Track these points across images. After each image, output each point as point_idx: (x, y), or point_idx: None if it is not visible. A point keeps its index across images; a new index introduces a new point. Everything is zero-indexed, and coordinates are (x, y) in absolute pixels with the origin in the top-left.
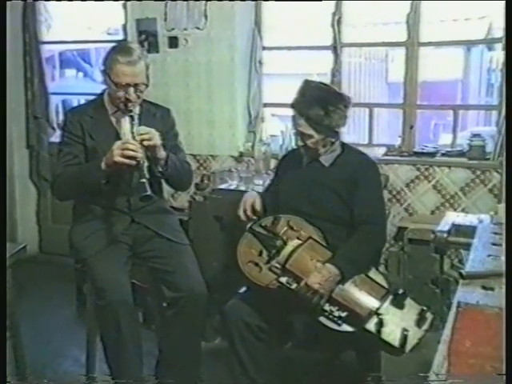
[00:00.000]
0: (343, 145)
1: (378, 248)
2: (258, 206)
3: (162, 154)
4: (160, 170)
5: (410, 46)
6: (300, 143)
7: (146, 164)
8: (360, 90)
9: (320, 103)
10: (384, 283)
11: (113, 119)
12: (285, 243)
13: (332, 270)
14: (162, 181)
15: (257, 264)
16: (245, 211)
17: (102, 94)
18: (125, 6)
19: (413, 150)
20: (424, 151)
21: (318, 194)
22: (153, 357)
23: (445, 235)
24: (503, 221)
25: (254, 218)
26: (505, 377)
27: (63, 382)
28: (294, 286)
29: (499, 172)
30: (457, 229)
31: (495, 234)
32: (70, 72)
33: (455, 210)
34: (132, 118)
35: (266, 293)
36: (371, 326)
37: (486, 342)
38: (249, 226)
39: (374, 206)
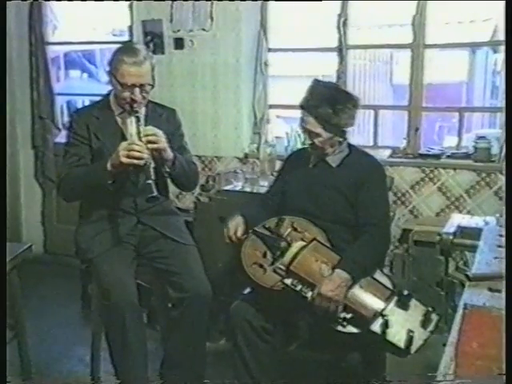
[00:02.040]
0: (350, 146)
1: (383, 250)
2: (241, 231)
3: (168, 154)
4: (167, 170)
5: (415, 48)
6: (308, 142)
7: (152, 165)
8: (365, 92)
9: (329, 102)
10: (389, 284)
11: (119, 120)
12: (289, 245)
13: (343, 275)
14: (168, 182)
15: (261, 266)
16: (229, 237)
17: (107, 95)
18: (130, 7)
19: (418, 152)
20: (429, 153)
21: (324, 195)
22: (158, 357)
23: (450, 237)
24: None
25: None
26: (505, 377)
27: (68, 381)
28: (298, 287)
29: (504, 174)
30: (462, 231)
31: (501, 236)
32: (75, 73)
33: (460, 212)
34: (138, 118)
35: (271, 294)
36: (376, 327)
37: (493, 344)
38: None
39: (379, 208)
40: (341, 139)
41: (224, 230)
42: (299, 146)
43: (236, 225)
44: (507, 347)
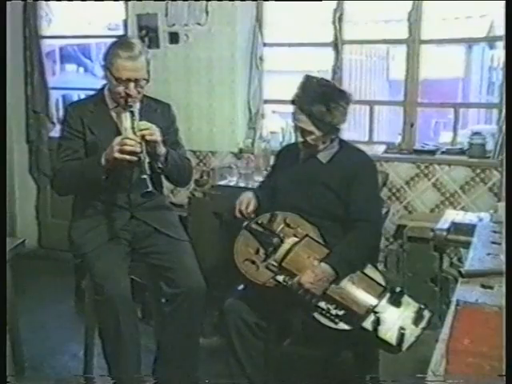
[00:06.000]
0: (341, 142)
1: (372, 246)
2: (253, 206)
3: (162, 149)
4: (160, 165)
5: (411, 44)
6: (300, 139)
7: (147, 160)
8: (361, 88)
9: (322, 100)
10: (381, 281)
11: (113, 114)
12: (281, 241)
13: (326, 269)
14: (162, 177)
15: (254, 262)
16: (240, 211)
17: (102, 89)
18: (126, 1)
19: (413, 147)
20: (424, 149)
21: (315, 191)
22: (151, 352)
23: (444, 233)
24: (503, 219)
25: (250, 216)
26: (505, 377)
27: (61, 376)
28: (290, 284)
29: (499, 170)
30: (456, 227)
31: (495, 232)
32: (71, 67)
33: (455, 208)
34: (132, 113)
35: (264, 291)
36: (368, 324)
37: (485, 341)
38: (245, 223)
39: (369, 203)
40: (333, 136)
41: (236, 204)
42: (294, 141)
43: (248, 199)
44: (507, 347)
